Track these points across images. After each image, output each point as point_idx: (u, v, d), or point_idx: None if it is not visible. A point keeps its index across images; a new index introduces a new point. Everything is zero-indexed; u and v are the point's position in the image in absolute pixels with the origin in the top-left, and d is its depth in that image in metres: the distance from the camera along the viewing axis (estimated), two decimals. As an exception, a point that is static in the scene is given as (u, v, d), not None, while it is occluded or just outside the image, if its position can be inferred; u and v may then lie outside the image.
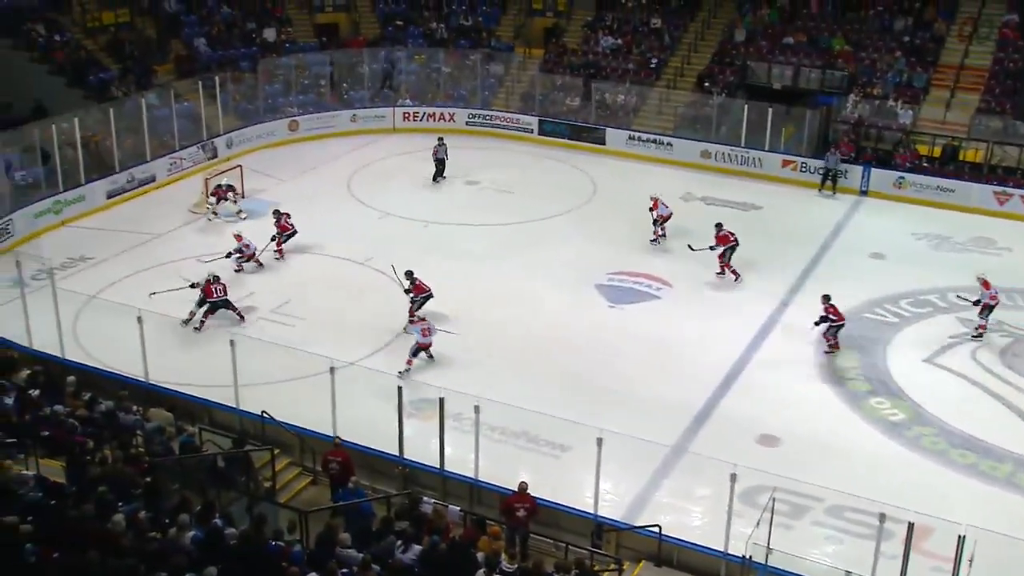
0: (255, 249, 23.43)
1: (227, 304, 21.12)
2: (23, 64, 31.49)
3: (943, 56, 32.57)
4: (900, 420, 18.19)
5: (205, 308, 20.87)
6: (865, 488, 14.73)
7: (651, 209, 25.60)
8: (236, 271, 23.04)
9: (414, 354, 19.34)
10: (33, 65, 31.62)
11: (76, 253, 24.12)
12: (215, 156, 30.90)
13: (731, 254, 23.50)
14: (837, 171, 29.39)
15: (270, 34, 37.11)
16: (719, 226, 23.79)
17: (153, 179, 28.96)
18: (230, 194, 26.72)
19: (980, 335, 20.83)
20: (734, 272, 23.46)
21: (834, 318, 20.32)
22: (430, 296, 20.92)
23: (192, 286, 21.21)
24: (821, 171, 29.64)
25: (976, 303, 20.93)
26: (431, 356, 19.61)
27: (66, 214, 26.28)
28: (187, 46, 35.36)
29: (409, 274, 21.00)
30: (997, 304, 20.83)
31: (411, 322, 20.21)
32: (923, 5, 33.83)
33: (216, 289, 20.96)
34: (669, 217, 25.48)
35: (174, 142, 30.03)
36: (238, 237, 23.47)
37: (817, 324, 20.38)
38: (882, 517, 12.38)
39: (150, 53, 34.48)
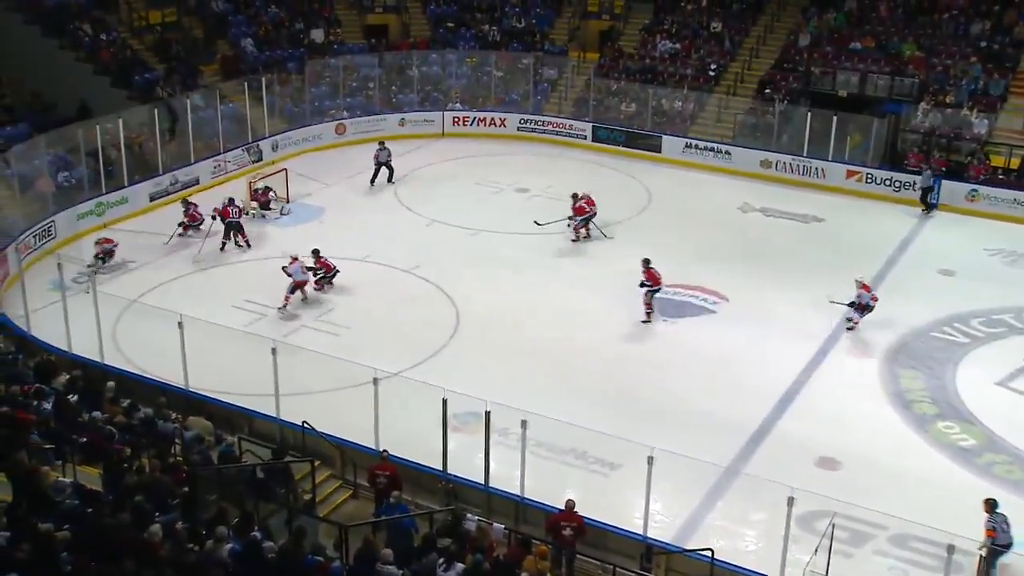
0: (116, 245, 24.55)
1: (239, 228, 24.80)
2: (69, 63, 32.11)
3: (1023, 62, 32.02)
4: (970, 446, 17.83)
5: (224, 228, 24.66)
6: (932, 517, 14.36)
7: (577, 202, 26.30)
8: (99, 272, 23.18)
9: (291, 291, 21.85)
10: (79, 64, 32.24)
11: (117, 256, 24.46)
12: (260, 159, 31.25)
13: (586, 222, 25.80)
14: (931, 187, 28.70)
15: (318, 35, 37.51)
16: (575, 196, 26.04)
17: (197, 181, 29.34)
18: (271, 194, 27.55)
19: (852, 328, 21.41)
20: (578, 232, 25.76)
21: (650, 283, 21.53)
22: (337, 272, 22.88)
23: (213, 217, 25.03)
24: (919, 190, 28.81)
25: (851, 305, 21.32)
26: (305, 297, 22.19)
27: (108, 216, 26.73)
28: (234, 46, 35.86)
29: (315, 252, 22.83)
30: (875, 305, 21.33)
31: (292, 262, 22.03)
32: (1003, 8, 33.28)
33: (232, 211, 24.79)
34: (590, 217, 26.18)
35: (219, 144, 30.45)
36: (104, 240, 24.45)
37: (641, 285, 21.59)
38: (951, 548, 12.13)
39: (196, 53, 35.02)
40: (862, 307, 21.36)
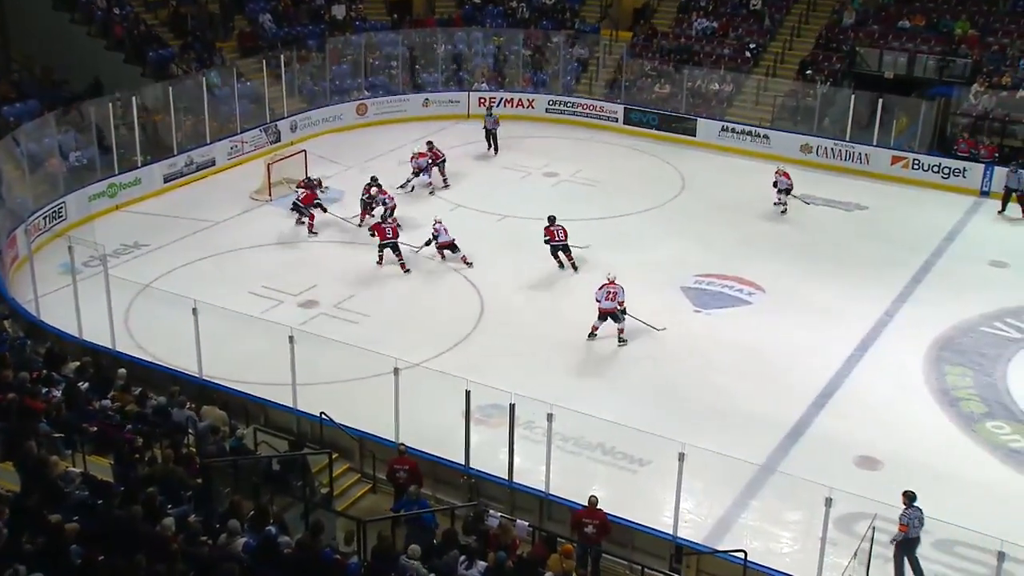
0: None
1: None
2: (81, 38, 32.34)
3: (1084, 42, 31.60)
4: (1022, 447, 17.65)
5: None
6: (980, 521, 14.25)
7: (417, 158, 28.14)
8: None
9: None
10: (91, 40, 32.44)
11: (130, 239, 24.66)
12: (278, 140, 31.37)
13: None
14: (1020, 191, 27.32)
15: (339, 11, 37.53)
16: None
17: (213, 163, 29.50)
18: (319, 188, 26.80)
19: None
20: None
21: (547, 238, 23.18)
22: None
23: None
24: (1005, 190, 27.78)
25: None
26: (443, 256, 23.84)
27: (121, 198, 26.88)
28: (251, 22, 35.93)
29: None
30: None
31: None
32: (1065, -16, 32.88)
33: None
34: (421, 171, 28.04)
35: (236, 124, 30.56)
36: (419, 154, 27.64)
37: None
38: (1001, 556, 12.04)
39: (213, 29, 35.13)
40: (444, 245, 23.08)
